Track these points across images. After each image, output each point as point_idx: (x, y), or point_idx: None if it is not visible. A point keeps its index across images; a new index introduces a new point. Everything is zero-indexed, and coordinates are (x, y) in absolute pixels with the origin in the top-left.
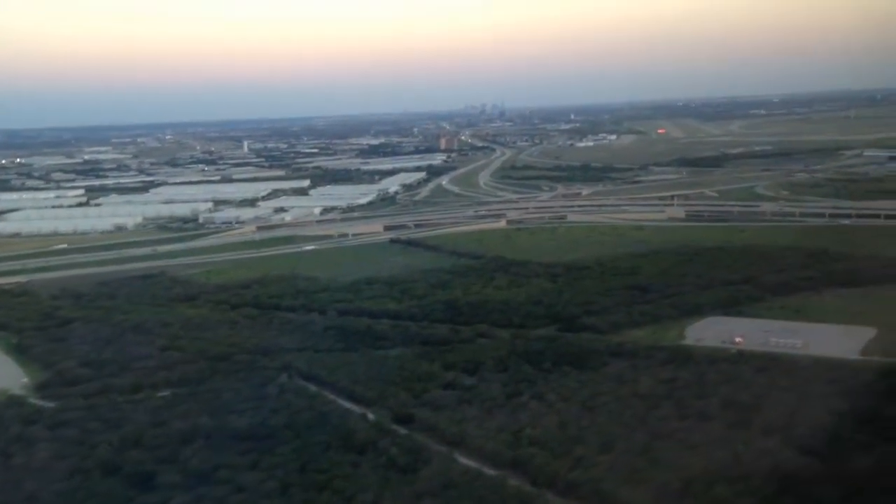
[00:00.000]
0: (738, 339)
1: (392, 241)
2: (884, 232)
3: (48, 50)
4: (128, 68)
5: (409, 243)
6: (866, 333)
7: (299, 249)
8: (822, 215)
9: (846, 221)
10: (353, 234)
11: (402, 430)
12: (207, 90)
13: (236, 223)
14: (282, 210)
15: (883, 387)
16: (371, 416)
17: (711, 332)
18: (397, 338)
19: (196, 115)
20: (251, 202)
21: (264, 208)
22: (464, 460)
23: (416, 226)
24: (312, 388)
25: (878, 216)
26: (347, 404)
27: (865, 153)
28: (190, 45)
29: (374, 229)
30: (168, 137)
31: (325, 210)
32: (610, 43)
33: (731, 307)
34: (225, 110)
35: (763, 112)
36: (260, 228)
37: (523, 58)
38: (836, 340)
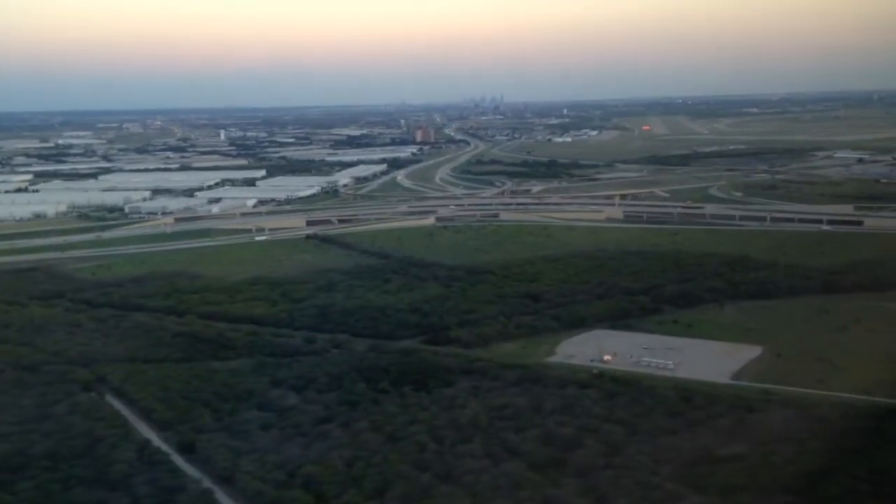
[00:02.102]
0: (607, 358)
1: (308, 237)
2: (818, 239)
3: (52, 34)
4: (135, 54)
5: (325, 240)
6: (750, 353)
7: (206, 244)
8: (762, 219)
9: (785, 226)
10: (271, 229)
11: (178, 462)
12: (212, 77)
13: (161, 213)
14: (215, 201)
15: (729, 422)
16: (156, 442)
17: (586, 347)
18: (245, 347)
19: (198, 101)
20: (191, 192)
21: (200, 199)
22: (223, 500)
23: (341, 221)
24: (115, 405)
25: (819, 221)
26: (141, 426)
27: (836, 154)
28: (195, 32)
29: (296, 224)
30: (157, 123)
31: (261, 202)
32: (614, 40)
33: (621, 319)
34: (227, 98)
35: (756, 110)
36: (178, 220)
37: (526, 53)
38: (714, 361)
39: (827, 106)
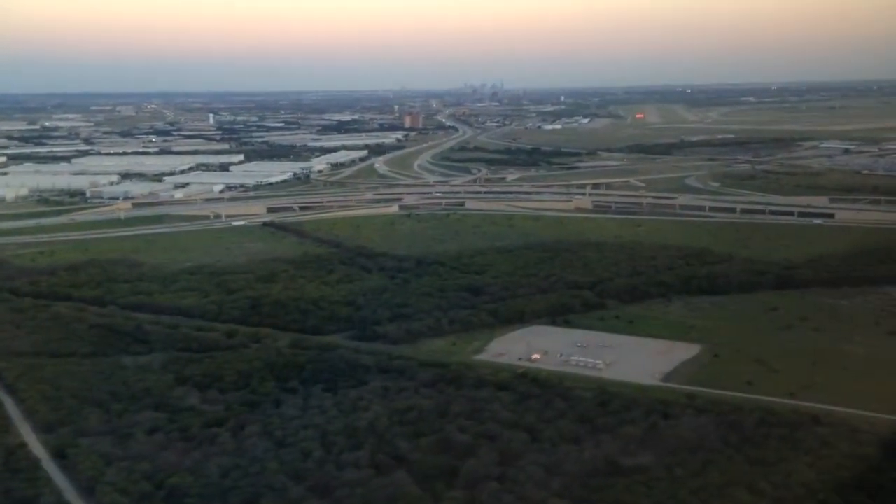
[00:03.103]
0: (535, 356)
1: (265, 224)
2: (785, 231)
3: (53, 16)
4: (136, 37)
5: (281, 228)
6: (686, 352)
7: (158, 231)
8: (732, 210)
9: (755, 218)
10: (228, 216)
11: (47, 469)
12: (213, 62)
13: (123, 198)
14: (182, 186)
15: (640, 429)
16: (33, 445)
17: (518, 345)
18: (160, 341)
19: (198, 85)
20: (161, 177)
21: (166, 184)
22: None
23: (303, 208)
24: (5, 404)
25: (791, 213)
26: (24, 427)
27: (822, 145)
28: (198, 15)
29: (256, 211)
30: (151, 106)
31: (228, 188)
32: (617, 28)
33: (562, 315)
34: (228, 82)
35: (752, 100)
36: (137, 205)
37: (530, 40)
38: (647, 361)
39: (825, 95)
